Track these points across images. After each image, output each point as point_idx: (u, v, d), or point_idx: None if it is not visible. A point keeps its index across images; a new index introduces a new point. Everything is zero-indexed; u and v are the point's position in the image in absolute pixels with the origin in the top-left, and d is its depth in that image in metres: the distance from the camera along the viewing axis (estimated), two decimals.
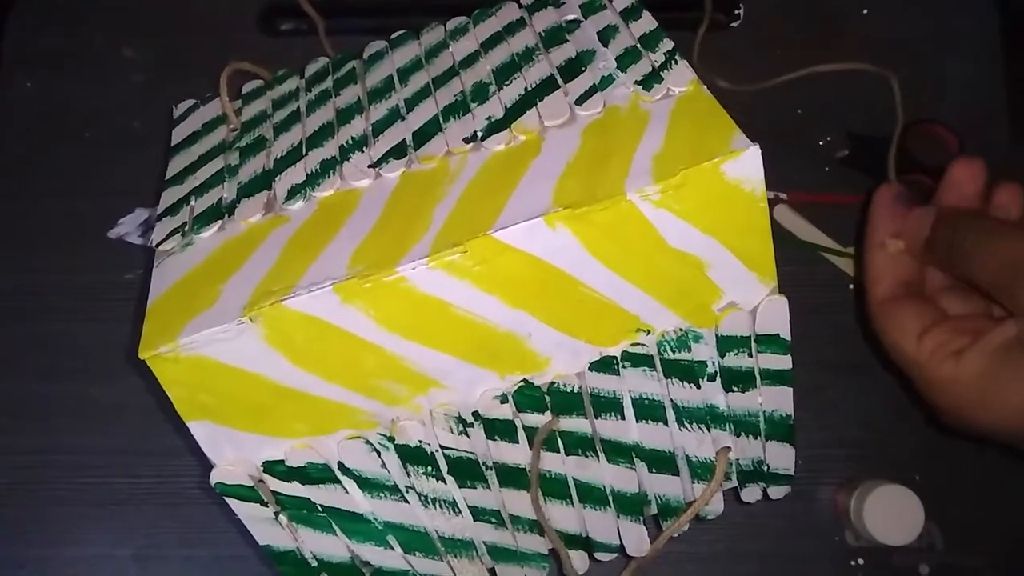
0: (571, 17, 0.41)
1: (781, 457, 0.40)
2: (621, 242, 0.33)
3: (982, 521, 0.49)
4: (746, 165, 0.32)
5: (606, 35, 0.40)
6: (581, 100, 0.37)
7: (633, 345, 0.35)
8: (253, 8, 0.56)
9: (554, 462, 0.37)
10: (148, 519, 0.49)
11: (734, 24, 0.56)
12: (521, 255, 0.33)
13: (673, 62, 0.37)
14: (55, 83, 0.55)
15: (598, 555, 0.40)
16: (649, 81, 0.37)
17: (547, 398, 0.36)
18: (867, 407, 0.51)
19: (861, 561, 0.49)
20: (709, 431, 0.38)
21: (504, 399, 0.35)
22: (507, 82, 0.39)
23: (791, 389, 0.38)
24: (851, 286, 0.52)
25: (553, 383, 0.36)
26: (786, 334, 0.36)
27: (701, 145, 0.33)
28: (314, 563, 0.37)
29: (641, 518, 0.40)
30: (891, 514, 0.46)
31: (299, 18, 0.54)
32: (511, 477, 0.37)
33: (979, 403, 0.34)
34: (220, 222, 0.37)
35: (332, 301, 0.32)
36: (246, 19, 0.56)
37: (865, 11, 0.57)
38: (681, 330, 0.35)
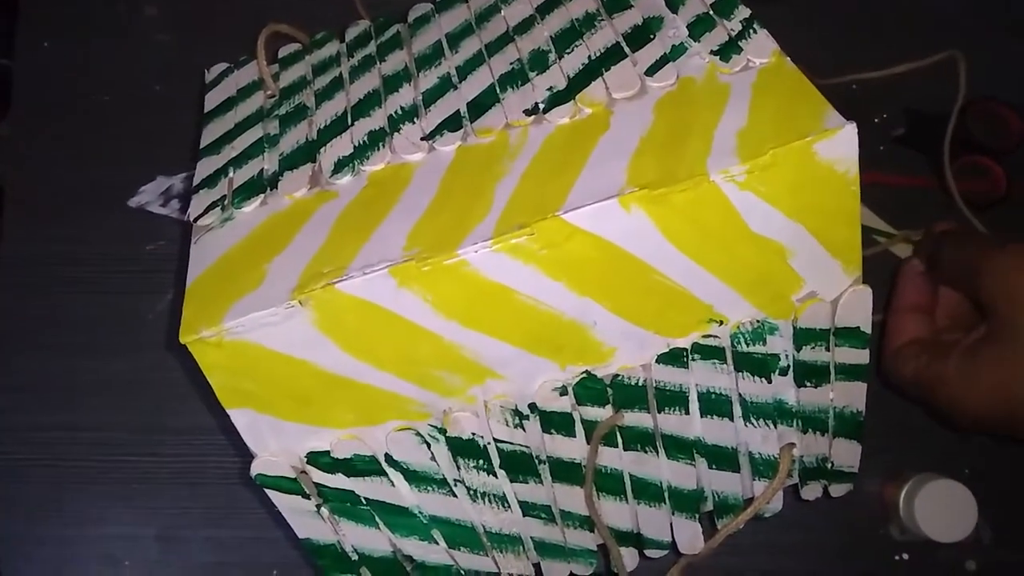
0: None
1: (847, 454, 0.38)
2: (700, 226, 0.31)
3: None
4: (840, 145, 0.30)
5: (674, 0, 0.37)
6: (652, 71, 0.34)
7: (705, 337, 0.33)
8: None
9: (611, 457, 0.35)
10: (172, 498, 0.47)
11: None
12: (591, 238, 0.30)
13: (751, 31, 0.34)
14: (73, 43, 0.52)
15: (649, 552, 0.39)
16: (727, 51, 0.34)
17: (609, 391, 0.34)
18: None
19: (906, 556, 0.48)
20: (775, 427, 0.36)
21: (564, 391, 0.33)
22: (568, 50, 0.36)
23: (865, 384, 0.36)
24: None
25: (617, 375, 0.34)
26: (867, 327, 0.34)
27: (790, 122, 0.31)
28: (355, 557, 0.36)
29: (696, 515, 0.38)
30: (943, 510, 0.44)
31: None
32: (565, 472, 0.35)
33: (962, 394, 0.36)
34: (262, 196, 0.35)
35: (388, 285, 0.30)
36: None
37: None
38: (757, 321, 0.33)
